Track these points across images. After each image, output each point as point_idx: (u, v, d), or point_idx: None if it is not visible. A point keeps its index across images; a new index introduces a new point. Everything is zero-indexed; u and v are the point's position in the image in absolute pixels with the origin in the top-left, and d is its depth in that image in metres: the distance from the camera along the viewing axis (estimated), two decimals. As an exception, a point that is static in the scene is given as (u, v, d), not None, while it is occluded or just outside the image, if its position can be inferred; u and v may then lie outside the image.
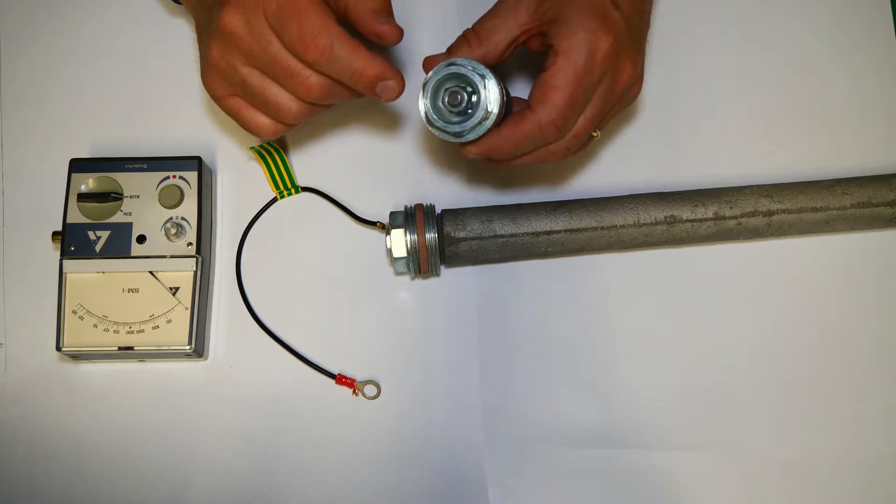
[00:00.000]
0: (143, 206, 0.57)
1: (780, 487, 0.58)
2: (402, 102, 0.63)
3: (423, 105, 0.50)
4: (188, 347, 0.56)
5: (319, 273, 0.60)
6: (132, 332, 0.56)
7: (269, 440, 0.58)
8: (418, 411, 0.58)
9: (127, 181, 0.58)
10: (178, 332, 0.56)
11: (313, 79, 0.49)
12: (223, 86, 0.52)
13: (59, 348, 0.56)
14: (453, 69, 0.49)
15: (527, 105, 0.51)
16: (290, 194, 0.61)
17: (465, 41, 0.52)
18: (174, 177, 0.58)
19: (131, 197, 0.58)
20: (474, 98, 0.49)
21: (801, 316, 0.61)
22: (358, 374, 0.59)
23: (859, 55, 0.65)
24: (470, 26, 0.53)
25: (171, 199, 0.57)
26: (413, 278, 0.60)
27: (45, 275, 0.60)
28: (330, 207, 0.61)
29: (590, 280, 0.61)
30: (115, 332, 0.56)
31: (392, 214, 0.58)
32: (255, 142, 0.61)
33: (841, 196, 0.59)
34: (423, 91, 0.50)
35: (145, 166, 0.58)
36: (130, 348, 0.56)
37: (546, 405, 0.59)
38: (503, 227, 0.57)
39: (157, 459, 0.58)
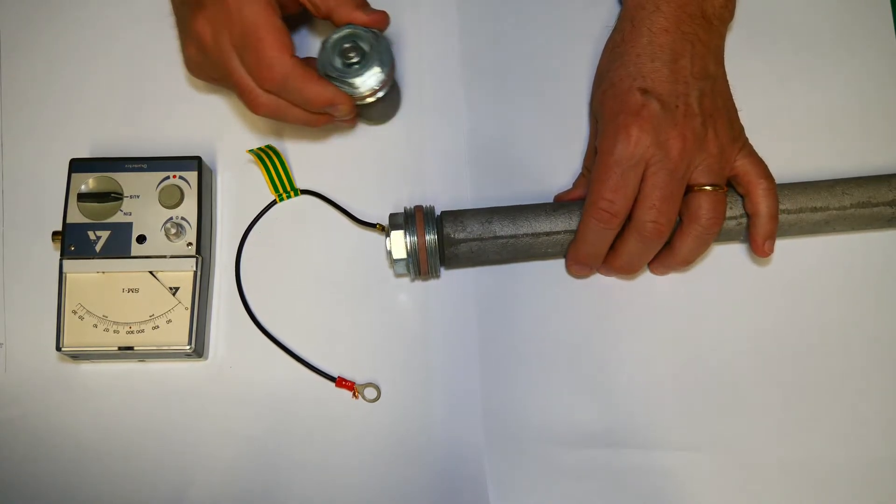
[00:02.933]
0: (143, 206, 0.57)
1: (780, 487, 0.58)
2: (404, 104, 0.63)
3: (319, 59, 0.55)
4: (188, 347, 0.56)
5: (319, 275, 0.60)
6: (132, 332, 0.56)
7: (270, 440, 0.58)
8: (419, 412, 0.58)
9: (127, 181, 0.58)
10: (178, 332, 0.56)
11: (263, 98, 0.54)
12: (205, 76, 0.57)
13: (59, 348, 0.56)
14: (349, 30, 0.55)
15: None
16: (289, 197, 0.61)
17: (583, 177, 0.61)
18: (174, 177, 0.58)
19: (131, 197, 0.58)
20: (367, 56, 0.55)
21: (801, 316, 0.61)
22: (358, 376, 0.59)
23: (859, 55, 0.65)
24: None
25: (171, 199, 0.57)
26: (413, 280, 0.60)
27: (45, 275, 0.60)
28: (330, 210, 0.61)
29: (590, 281, 0.61)
30: (115, 332, 0.56)
31: (392, 216, 0.58)
32: (254, 145, 0.60)
33: (841, 196, 0.58)
34: (323, 47, 0.55)
35: (145, 166, 0.58)
36: (130, 348, 0.56)
37: (546, 405, 0.59)
38: (503, 229, 0.57)
39: (157, 459, 0.58)
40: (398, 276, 0.59)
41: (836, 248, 0.62)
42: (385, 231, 0.58)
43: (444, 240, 0.57)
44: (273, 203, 0.61)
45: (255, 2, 0.51)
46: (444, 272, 0.61)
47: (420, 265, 0.57)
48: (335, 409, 0.58)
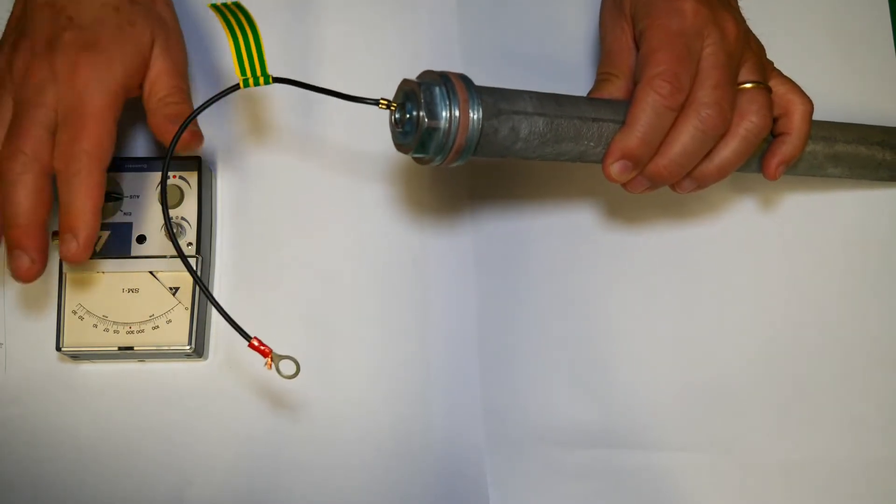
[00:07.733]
0: (143, 206, 0.57)
1: (780, 487, 0.58)
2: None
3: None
4: (188, 347, 0.56)
5: (317, 272, 0.60)
6: (132, 332, 0.56)
7: (269, 440, 0.58)
8: (418, 412, 0.58)
9: (127, 181, 0.58)
10: (178, 332, 0.56)
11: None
12: None
13: (59, 348, 0.56)
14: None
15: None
16: (256, 84, 0.46)
17: (606, 81, 0.52)
18: (174, 177, 0.58)
19: (131, 197, 0.58)
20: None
21: (801, 316, 0.61)
22: (358, 376, 0.59)
23: (858, 56, 0.65)
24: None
25: (172, 199, 0.57)
26: (435, 164, 0.47)
27: (45, 275, 0.59)
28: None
29: (590, 280, 0.61)
30: (115, 332, 0.56)
31: (418, 78, 0.46)
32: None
33: (843, 129, 0.58)
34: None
35: (145, 166, 0.58)
36: (130, 348, 0.56)
37: (546, 405, 0.59)
38: (547, 106, 0.48)
39: (157, 459, 0.58)
40: (415, 156, 0.47)
41: (838, 248, 0.62)
42: (393, 103, 0.47)
43: (486, 110, 0.46)
44: (236, 87, 0.46)
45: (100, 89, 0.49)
46: (442, 272, 0.60)
47: (457, 138, 0.45)
48: (336, 407, 0.58)
